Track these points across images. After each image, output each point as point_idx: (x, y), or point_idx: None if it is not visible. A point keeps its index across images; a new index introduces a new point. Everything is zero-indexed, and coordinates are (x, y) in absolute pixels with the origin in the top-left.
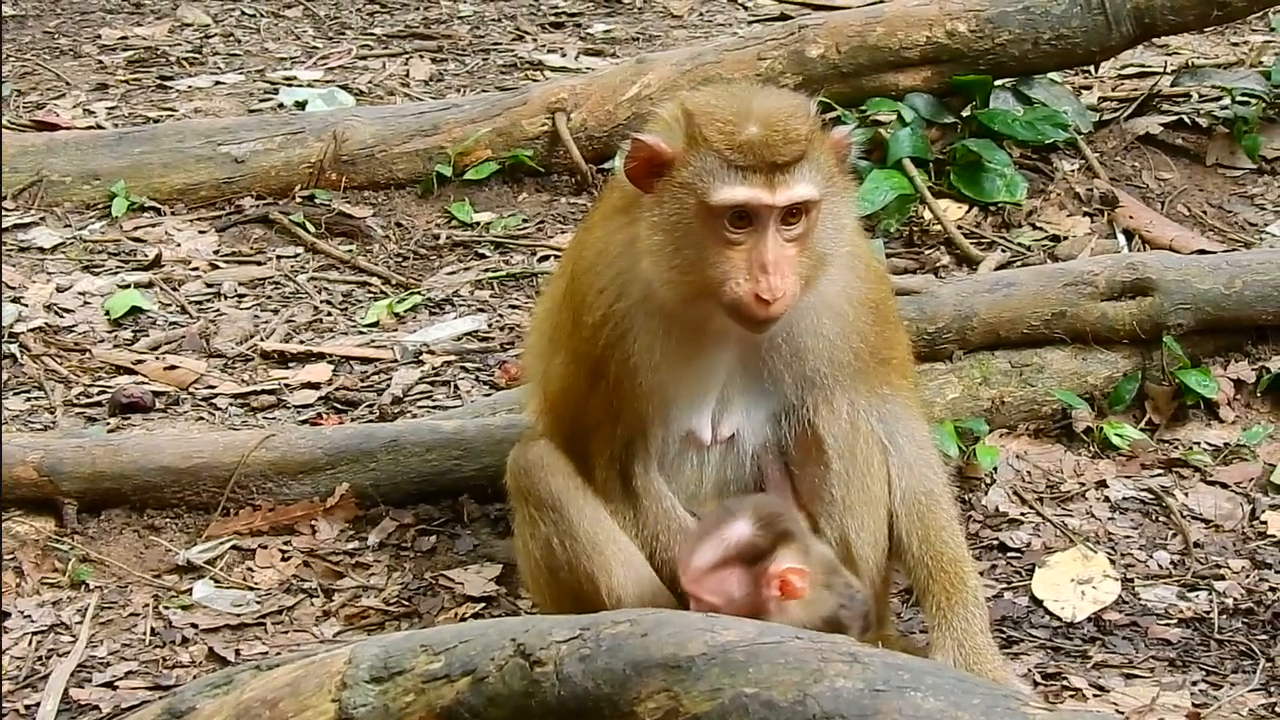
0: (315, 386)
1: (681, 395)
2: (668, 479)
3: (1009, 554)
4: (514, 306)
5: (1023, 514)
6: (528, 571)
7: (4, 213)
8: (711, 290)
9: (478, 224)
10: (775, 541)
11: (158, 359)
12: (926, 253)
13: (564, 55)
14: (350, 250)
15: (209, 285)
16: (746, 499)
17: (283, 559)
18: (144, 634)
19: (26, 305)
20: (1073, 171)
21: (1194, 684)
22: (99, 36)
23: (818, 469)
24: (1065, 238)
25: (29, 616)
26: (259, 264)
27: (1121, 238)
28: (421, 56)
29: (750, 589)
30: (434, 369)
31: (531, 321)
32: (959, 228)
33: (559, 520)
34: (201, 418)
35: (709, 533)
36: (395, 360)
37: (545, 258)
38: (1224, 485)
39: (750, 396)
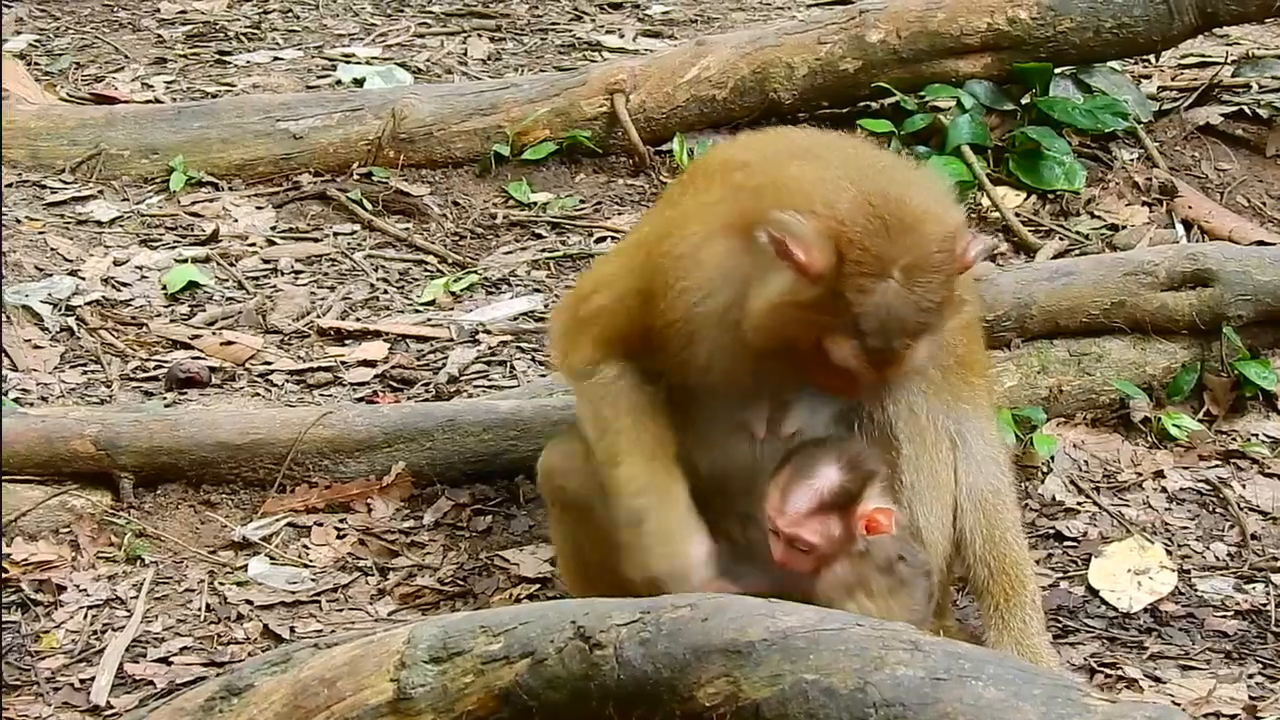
0: (371, 364)
1: (740, 395)
2: (723, 471)
3: (1065, 543)
4: (570, 287)
5: (1079, 503)
6: (563, 567)
7: (53, 187)
8: (799, 369)
9: (535, 204)
10: (863, 484)
11: (214, 334)
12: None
13: (622, 36)
14: (407, 228)
15: (266, 261)
16: (830, 442)
17: (338, 537)
18: (199, 610)
19: (84, 279)
20: (1132, 161)
21: (1250, 677)
22: (158, 10)
23: (888, 455)
24: (1123, 227)
25: (85, 590)
26: (316, 241)
27: (1180, 228)
28: (480, 35)
29: (844, 531)
30: (490, 349)
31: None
32: (1017, 215)
33: (583, 520)
34: (258, 394)
35: (801, 478)
36: (451, 339)
37: (602, 239)
38: None
39: (815, 398)
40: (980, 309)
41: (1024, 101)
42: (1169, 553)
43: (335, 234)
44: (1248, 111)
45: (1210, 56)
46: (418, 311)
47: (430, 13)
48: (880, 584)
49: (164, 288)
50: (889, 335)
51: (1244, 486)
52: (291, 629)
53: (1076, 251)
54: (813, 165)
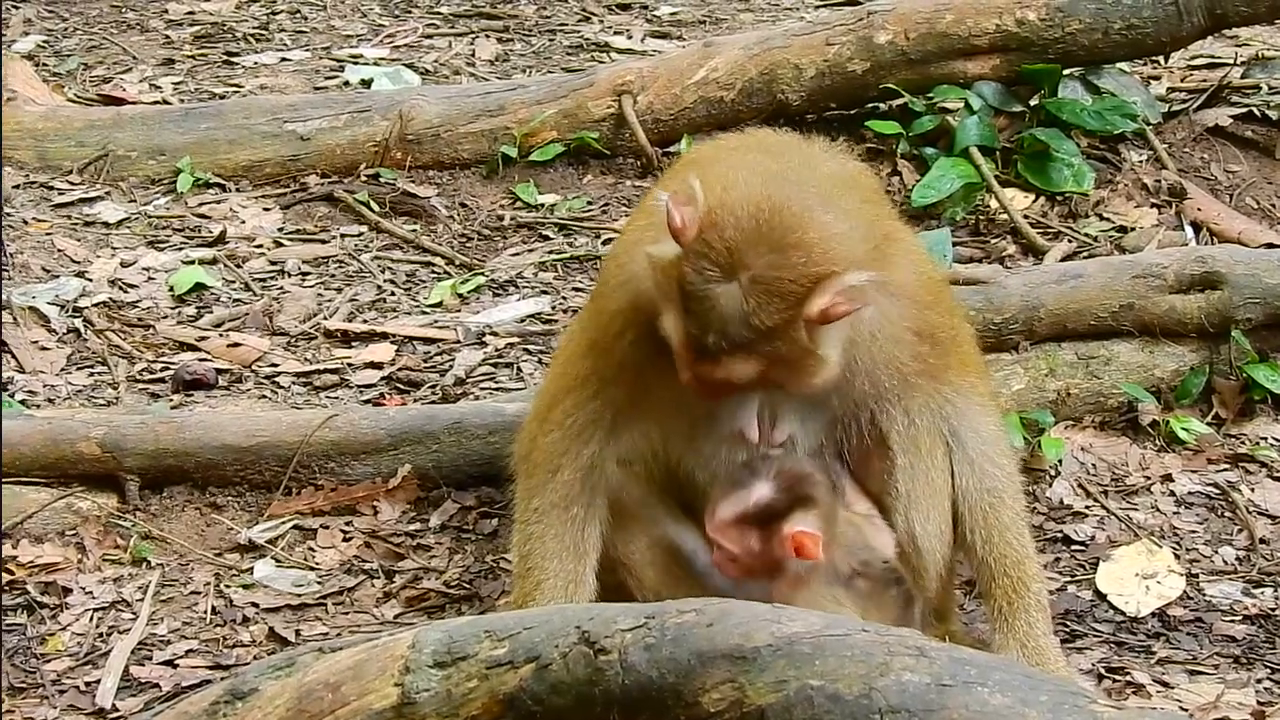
0: (378, 366)
1: (731, 404)
2: (721, 480)
3: (1073, 547)
4: (577, 289)
5: (1087, 507)
6: None
7: (60, 189)
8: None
9: (542, 205)
10: (792, 505)
11: (221, 336)
12: (992, 242)
13: (630, 37)
14: (414, 230)
15: (273, 263)
16: (775, 459)
17: (344, 539)
18: (205, 612)
19: (91, 280)
20: (1141, 162)
21: (1259, 681)
22: (166, 11)
23: (883, 464)
24: (1132, 229)
25: (90, 593)
26: (323, 242)
27: (1189, 230)
28: (487, 36)
29: (765, 545)
30: (497, 350)
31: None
32: (1025, 217)
33: None
34: (264, 396)
35: (736, 487)
36: (458, 341)
37: (609, 240)
38: None
39: (799, 407)
40: (951, 320)
41: (1032, 103)
42: (1177, 557)
43: (342, 235)
44: (1257, 113)
45: (1220, 58)
46: (425, 313)
47: (438, 14)
48: (839, 601)
49: (171, 289)
50: (708, 329)
51: (1253, 490)
52: (297, 632)
53: (1085, 254)
54: (749, 158)
